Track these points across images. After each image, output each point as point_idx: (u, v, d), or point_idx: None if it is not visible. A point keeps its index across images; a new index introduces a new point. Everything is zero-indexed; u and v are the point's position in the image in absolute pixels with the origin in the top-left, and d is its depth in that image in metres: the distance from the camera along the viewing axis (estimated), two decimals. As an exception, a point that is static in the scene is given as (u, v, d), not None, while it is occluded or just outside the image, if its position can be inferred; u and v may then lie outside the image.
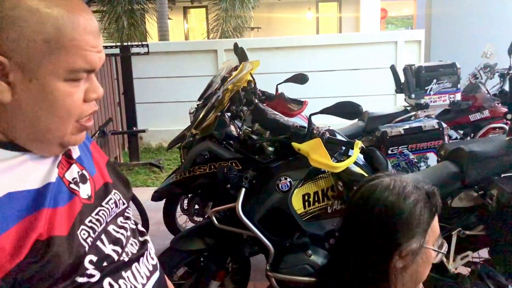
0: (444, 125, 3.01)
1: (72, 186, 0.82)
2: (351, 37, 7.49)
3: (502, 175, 1.93)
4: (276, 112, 2.27)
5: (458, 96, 3.32)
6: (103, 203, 0.87)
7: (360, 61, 6.60)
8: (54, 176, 0.79)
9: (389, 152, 2.97)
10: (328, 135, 2.04)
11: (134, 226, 0.96)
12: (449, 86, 3.31)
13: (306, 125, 2.08)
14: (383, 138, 2.99)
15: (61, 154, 0.83)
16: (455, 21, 5.54)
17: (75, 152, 0.89)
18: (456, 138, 3.57)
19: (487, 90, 3.69)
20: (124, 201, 0.95)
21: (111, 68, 5.72)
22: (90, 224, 0.81)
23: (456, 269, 2.11)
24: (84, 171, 0.87)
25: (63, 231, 0.75)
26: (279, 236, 2.06)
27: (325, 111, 1.93)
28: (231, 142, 2.22)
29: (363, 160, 2.07)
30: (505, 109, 3.32)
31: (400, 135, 2.99)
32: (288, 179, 2.03)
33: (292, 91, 3.06)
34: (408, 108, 3.44)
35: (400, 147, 2.95)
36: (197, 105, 2.87)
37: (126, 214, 0.95)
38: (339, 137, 2.16)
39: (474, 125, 3.64)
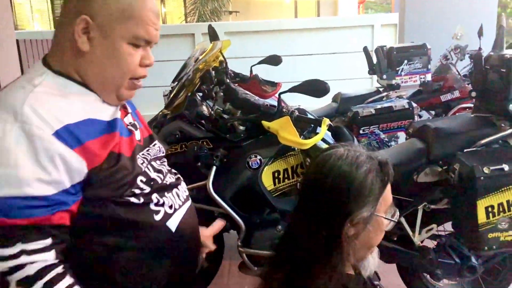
0: (414, 104, 3.08)
1: (129, 127, 1.08)
2: (329, 21, 7.49)
3: (465, 150, 1.99)
4: (247, 92, 2.29)
5: (429, 77, 3.38)
6: (151, 145, 1.15)
7: (337, 44, 6.62)
8: (118, 115, 1.04)
9: (361, 132, 3.03)
10: (297, 114, 2.07)
11: (168, 168, 1.19)
12: (420, 67, 3.37)
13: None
14: (355, 118, 3.04)
15: (117, 105, 1.06)
16: (427, 4, 5.60)
17: (129, 109, 1.15)
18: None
19: (457, 71, 3.77)
20: (163, 151, 1.21)
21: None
22: (143, 156, 1.07)
23: (422, 242, 2.18)
24: (135, 122, 1.13)
25: (128, 153, 1.01)
26: (250, 213, 2.10)
27: (293, 89, 1.96)
28: (202, 121, 2.23)
29: (330, 137, 2.12)
30: (474, 90, 3.40)
31: (371, 115, 3.04)
32: (258, 157, 2.07)
33: (270, 76, 3.07)
34: (381, 89, 3.49)
35: (371, 127, 3.01)
36: (171, 87, 2.87)
37: (163, 160, 1.19)
38: (308, 116, 2.20)
39: (445, 106, 3.71)
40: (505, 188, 1.79)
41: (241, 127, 2.16)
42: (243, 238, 2.09)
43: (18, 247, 0.85)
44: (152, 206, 1.03)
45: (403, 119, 2.97)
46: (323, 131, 1.95)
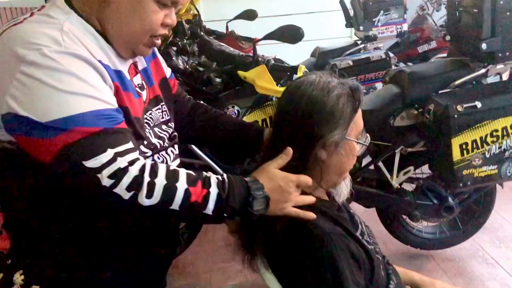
0: (391, 55, 3.08)
1: (137, 89, 1.07)
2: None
3: (440, 92, 2.01)
4: (221, 44, 2.27)
5: (405, 27, 3.38)
6: (153, 109, 1.13)
7: (314, 3, 6.55)
8: (126, 75, 1.04)
9: (339, 84, 3.03)
10: (273, 62, 2.06)
11: (171, 131, 1.20)
12: (396, 17, 3.35)
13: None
14: (333, 70, 3.03)
15: (131, 60, 1.07)
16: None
17: (141, 64, 1.13)
18: (406, 70, 3.65)
19: (434, 21, 3.77)
20: (168, 114, 1.19)
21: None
22: (146, 121, 1.08)
23: (400, 185, 2.23)
24: (143, 82, 1.12)
25: (139, 114, 1.03)
26: (231, 164, 2.11)
27: (268, 36, 1.95)
28: (178, 75, 2.21)
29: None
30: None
31: (349, 67, 3.04)
32: (236, 108, 2.07)
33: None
34: (358, 42, 3.48)
35: (349, 79, 3.01)
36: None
37: (169, 124, 1.19)
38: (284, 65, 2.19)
39: (423, 57, 3.73)
40: (478, 124, 1.83)
41: (217, 79, 2.14)
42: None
43: (111, 151, 0.86)
44: None
45: (381, 69, 2.97)
46: (299, 78, 1.95)
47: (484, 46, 1.92)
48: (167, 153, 1.14)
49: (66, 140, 0.84)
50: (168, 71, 1.31)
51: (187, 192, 0.90)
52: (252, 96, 2.06)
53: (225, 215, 0.94)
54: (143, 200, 0.87)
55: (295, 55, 3.28)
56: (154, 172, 0.89)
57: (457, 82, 2.02)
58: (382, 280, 1.08)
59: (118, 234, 1.02)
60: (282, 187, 0.97)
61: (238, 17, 2.95)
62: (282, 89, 1.93)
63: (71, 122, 0.84)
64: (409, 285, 1.31)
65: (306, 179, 1.01)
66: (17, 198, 0.98)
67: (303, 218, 0.98)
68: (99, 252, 1.02)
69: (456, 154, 1.85)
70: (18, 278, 0.99)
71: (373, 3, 3.36)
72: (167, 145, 1.15)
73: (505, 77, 2.13)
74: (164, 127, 1.17)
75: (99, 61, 0.93)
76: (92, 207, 0.96)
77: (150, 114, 1.11)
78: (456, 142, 1.84)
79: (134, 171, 0.87)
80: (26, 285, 0.99)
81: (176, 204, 0.90)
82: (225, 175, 0.98)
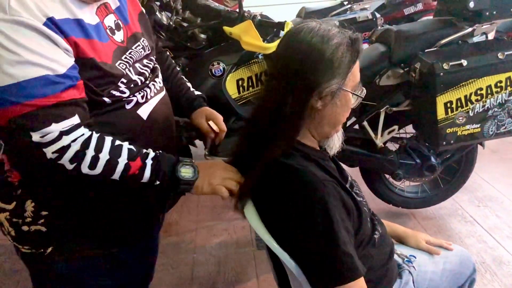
0: (378, 15, 3.05)
1: (107, 31, 1.07)
2: None
3: (426, 50, 2.01)
4: (206, -2, 2.21)
5: (392, -13, 3.35)
6: (133, 47, 1.13)
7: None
8: (95, 20, 1.03)
9: (325, 45, 3.00)
10: (259, 18, 2.02)
11: (153, 65, 1.22)
12: (383, -23, 3.32)
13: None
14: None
15: (99, 1, 1.05)
16: None
17: (114, 3, 1.12)
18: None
19: (421, -18, 3.73)
20: (149, 48, 1.20)
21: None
22: (125, 60, 1.09)
23: (384, 144, 2.24)
24: (119, 21, 1.12)
25: (108, 59, 1.03)
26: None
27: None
28: (161, 31, 2.15)
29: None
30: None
31: (335, 27, 3.00)
32: (221, 64, 2.03)
33: None
34: (345, 3, 3.44)
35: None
36: None
37: (150, 57, 1.20)
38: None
39: (409, 19, 3.70)
40: (464, 83, 1.83)
41: (202, 35, 2.10)
42: (210, 146, 2.09)
43: (55, 128, 0.92)
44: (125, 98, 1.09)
45: (367, 30, 2.93)
46: (286, 34, 1.91)
47: (471, 4, 1.91)
48: (148, 87, 1.16)
49: (16, 111, 0.89)
50: (142, 8, 1.30)
51: (126, 166, 1.00)
52: (238, 52, 2.03)
53: (158, 182, 1.04)
54: (86, 170, 0.97)
55: (281, 16, 3.23)
56: (98, 148, 0.98)
57: (444, 41, 2.01)
58: (368, 231, 1.10)
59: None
60: (213, 165, 1.11)
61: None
62: (269, 45, 1.91)
63: (19, 91, 0.89)
64: (393, 238, 1.34)
65: (231, 184, 1.09)
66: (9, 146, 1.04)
67: (224, 197, 1.09)
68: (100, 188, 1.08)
69: (440, 112, 1.86)
70: (29, 205, 1.07)
71: (361, -38, 3.31)
72: (148, 81, 1.16)
73: (490, 36, 2.13)
74: (145, 61, 1.18)
75: (51, 18, 0.92)
76: None
77: (130, 53, 1.12)
78: (441, 100, 1.85)
79: (75, 146, 0.95)
80: (37, 212, 1.07)
81: (116, 175, 1.00)
82: (162, 152, 1.08)
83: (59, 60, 0.93)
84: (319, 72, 0.96)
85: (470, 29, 2.01)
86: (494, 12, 1.94)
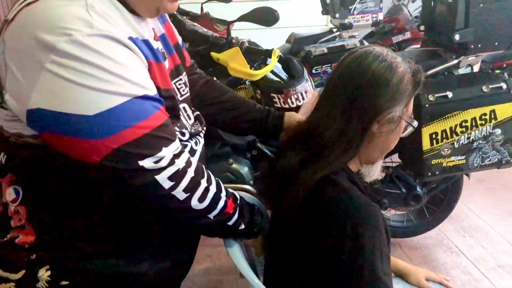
0: (366, 43, 3.07)
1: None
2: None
3: (412, 81, 2.02)
4: (195, 24, 2.21)
5: (381, 16, 3.38)
6: (175, 82, 1.02)
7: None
8: (153, 42, 0.92)
9: (313, 71, 3.00)
10: (247, 45, 2.02)
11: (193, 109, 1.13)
12: (372, 6, 3.35)
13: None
14: (307, 57, 3.00)
15: (151, 24, 0.95)
16: None
17: (158, 30, 1.00)
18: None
19: (409, 12, 3.79)
20: (188, 84, 1.09)
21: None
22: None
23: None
24: (164, 50, 1.00)
25: (170, 86, 0.95)
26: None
27: (242, 18, 1.91)
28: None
29: (281, 69, 2.09)
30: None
31: (323, 54, 3.01)
32: (208, 90, 2.02)
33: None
34: (334, 30, 3.47)
35: (323, 66, 2.98)
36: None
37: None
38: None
39: (396, 47, 3.74)
40: (449, 115, 1.84)
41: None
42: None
43: (168, 153, 0.81)
44: None
45: (355, 57, 2.97)
46: (274, 62, 1.91)
47: (457, 37, 1.93)
48: (200, 137, 1.05)
49: (117, 141, 0.77)
50: (179, 37, 1.18)
51: (225, 204, 0.93)
52: (225, 78, 2.02)
53: (242, 226, 1.00)
54: (195, 203, 0.87)
55: (270, 41, 3.25)
56: (209, 178, 0.90)
57: (429, 72, 2.02)
58: None
59: (148, 225, 0.95)
60: None
61: (215, -1, 2.89)
62: (256, 72, 1.91)
63: (117, 117, 0.76)
64: (393, 272, 1.32)
65: None
66: (42, 191, 0.89)
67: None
68: (133, 238, 0.94)
69: (426, 143, 1.86)
70: (44, 274, 0.88)
71: (350, -10, 3.34)
72: (199, 127, 1.06)
73: (476, 68, 2.16)
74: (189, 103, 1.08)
75: (130, 37, 0.82)
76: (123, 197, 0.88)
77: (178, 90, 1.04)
78: (426, 132, 1.85)
79: (190, 173, 0.85)
80: (54, 282, 0.88)
81: (214, 213, 0.91)
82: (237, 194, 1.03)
83: (148, 77, 0.84)
84: (385, 97, 0.97)
85: (455, 61, 2.04)
86: (479, 45, 1.96)
